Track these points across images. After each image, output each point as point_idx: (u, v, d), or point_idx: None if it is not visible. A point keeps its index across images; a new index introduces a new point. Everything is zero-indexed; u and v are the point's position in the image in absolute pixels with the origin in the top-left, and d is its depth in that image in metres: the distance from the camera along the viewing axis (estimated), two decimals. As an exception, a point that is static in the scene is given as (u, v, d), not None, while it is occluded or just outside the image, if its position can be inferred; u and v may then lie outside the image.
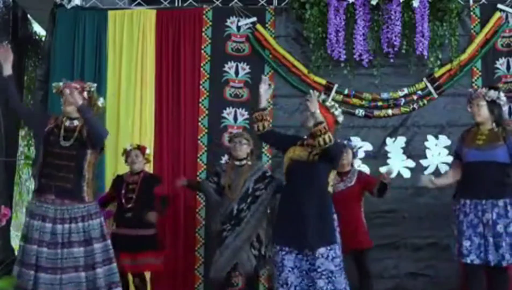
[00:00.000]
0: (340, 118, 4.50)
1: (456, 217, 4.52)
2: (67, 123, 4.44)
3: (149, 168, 6.22)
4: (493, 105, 4.49)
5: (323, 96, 4.51)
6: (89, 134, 4.38)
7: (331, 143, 4.18)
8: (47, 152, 4.41)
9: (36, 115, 5.00)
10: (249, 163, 5.43)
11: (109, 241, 4.46)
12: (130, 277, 5.68)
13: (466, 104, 4.69)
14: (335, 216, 4.41)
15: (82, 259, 4.28)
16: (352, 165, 5.63)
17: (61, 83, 4.56)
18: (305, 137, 4.53)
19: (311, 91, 4.43)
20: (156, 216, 5.55)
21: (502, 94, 4.56)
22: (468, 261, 4.36)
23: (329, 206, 4.38)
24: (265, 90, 4.55)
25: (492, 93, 4.50)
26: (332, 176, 4.45)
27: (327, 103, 4.46)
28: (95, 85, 4.66)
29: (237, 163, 5.43)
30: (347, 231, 5.29)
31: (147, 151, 5.83)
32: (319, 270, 4.15)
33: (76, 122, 4.44)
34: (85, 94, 4.49)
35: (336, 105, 4.53)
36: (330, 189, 4.43)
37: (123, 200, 5.54)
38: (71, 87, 4.44)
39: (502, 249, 4.31)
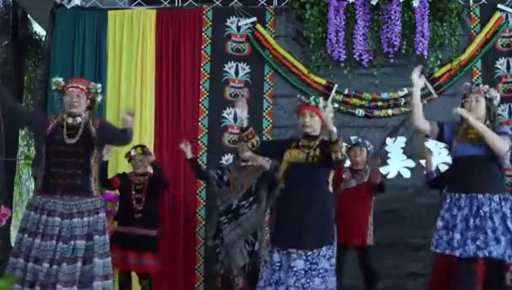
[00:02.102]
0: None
1: (446, 209, 4.49)
2: (70, 120, 4.38)
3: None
4: (490, 103, 4.49)
5: (322, 102, 4.47)
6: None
7: (344, 157, 4.29)
8: (52, 151, 4.34)
9: (35, 115, 4.76)
10: (255, 163, 5.43)
11: (107, 236, 4.45)
12: (134, 276, 5.73)
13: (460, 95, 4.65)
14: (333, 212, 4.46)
15: (82, 251, 4.25)
16: (366, 163, 5.70)
17: (60, 79, 4.45)
18: (297, 137, 4.55)
19: (320, 103, 4.40)
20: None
21: (498, 94, 4.56)
22: (457, 254, 4.36)
23: (330, 206, 4.41)
24: (241, 111, 4.45)
25: (492, 92, 4.50)
26: (331, 176, 4.46)
27: (314, 99, 4.47)
28: (99, 86, 4.54)
29: (242, 163, 5.45)
30: (351, 227, 5.34)
31: (152, 154, 5.78)
32: (318, 268, 4.21)
33: (79, 119, 4.38)
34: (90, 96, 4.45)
35: (331, 107, 4.54)
36: (330, 188, 4.44)
37: (133, 201, 5.57)
38: (78, 88, 4.37)
39: (502, 242, 4.30)
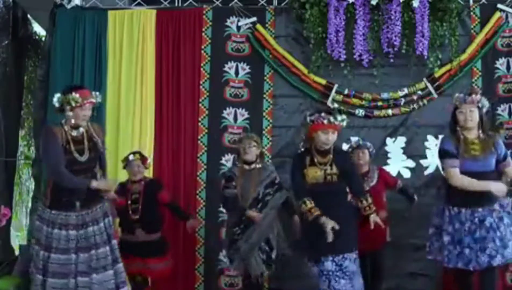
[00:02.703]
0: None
1: (448, 223, 4.51)
2: (74, 133, 4.41)
3: (149, 170, 6.23)
4: (481, 111, 4.53)
5: (346, 121, 4.62)
6: None
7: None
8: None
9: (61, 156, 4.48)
10: (259, 166, 5.39)
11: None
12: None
13: (451, 107, 4.67)
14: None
15: (109, 257, 4.36)
16: (369, 164, 5.71)
17: (77, 95, 4.38)
18: (305, 148, 4.63)
19: (344, 122, 4.61)
20: (195, 223, 5.86)
21: (487, 103, 4.60)
22: (471, 269, 4.40)
23: (352, 214, 4.60)
24: None
25: (484, 101, 4.54)
26: None
27: (339, 118, 4.55)
28: (98, 93, 4.63)
29: (246, 167, 5.38)
30: (372, 233, 5.34)
31: (149, 161, 5.82)
32: (344, 270, 4.40)
33: (81, 130, 4.43)
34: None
35: (344, 116, 4.63)
36: (349, 196, 4.65)
37: (130, 211, 5.54)
38: (92, 103, 4.43)
39: (509, 248, 4.34)
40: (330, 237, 4.33)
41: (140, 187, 5.63)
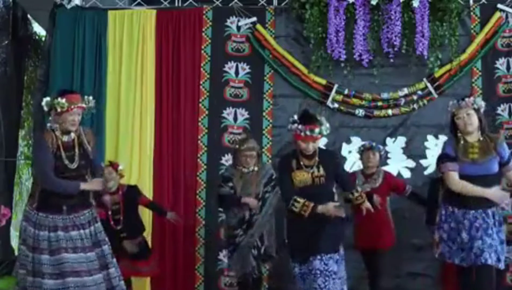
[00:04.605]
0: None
1: (444, 221, 4.52)
2: (65, 139, 4.34)
3: (149, 170, 6.26)
4: (479, 113, 4.50)
5: (309, 132, 4.49)
6: None
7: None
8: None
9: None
10: (256, 169, 5.40)
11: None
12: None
13: (449, 114, 4.65)
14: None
15: (96, 262, 4.30)
16: (377, 167, 5.74)
17: (63, 100, 4.27)
18: (293, 151, 4.62)
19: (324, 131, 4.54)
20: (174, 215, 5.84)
21: (483, 102, 4.55)
22: (459, 262, 4.42)
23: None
24: None
25: (479, 101, 4.51)
26: (335, 185, 4.65)
27: (316, 131, 4.48)
28: (92, 100, 4.47)
29: (245, 170, 5.39)
30: (370, 231, 5.36)
31: (120, 167, 5.61)
32: (329, 269, 4.39)
33: (72, 135, 4.36)
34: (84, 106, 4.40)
35: (326, 126, 4.54)
36: (335, 197, 4.61)
37: (112, 222, 5.44)
38: (80, 108, 4.33)
39: (490, 249, 4.32)
40: (342, 212, 4.46)
41: (118, 197, 5.52)
